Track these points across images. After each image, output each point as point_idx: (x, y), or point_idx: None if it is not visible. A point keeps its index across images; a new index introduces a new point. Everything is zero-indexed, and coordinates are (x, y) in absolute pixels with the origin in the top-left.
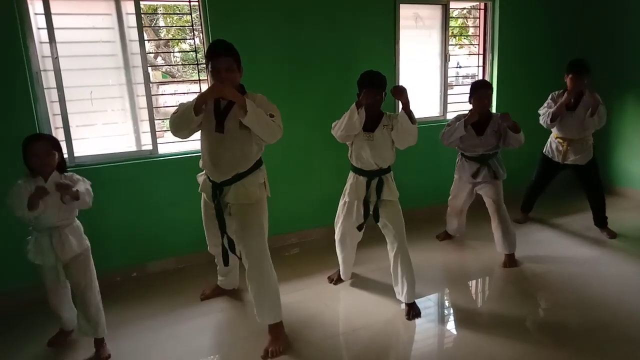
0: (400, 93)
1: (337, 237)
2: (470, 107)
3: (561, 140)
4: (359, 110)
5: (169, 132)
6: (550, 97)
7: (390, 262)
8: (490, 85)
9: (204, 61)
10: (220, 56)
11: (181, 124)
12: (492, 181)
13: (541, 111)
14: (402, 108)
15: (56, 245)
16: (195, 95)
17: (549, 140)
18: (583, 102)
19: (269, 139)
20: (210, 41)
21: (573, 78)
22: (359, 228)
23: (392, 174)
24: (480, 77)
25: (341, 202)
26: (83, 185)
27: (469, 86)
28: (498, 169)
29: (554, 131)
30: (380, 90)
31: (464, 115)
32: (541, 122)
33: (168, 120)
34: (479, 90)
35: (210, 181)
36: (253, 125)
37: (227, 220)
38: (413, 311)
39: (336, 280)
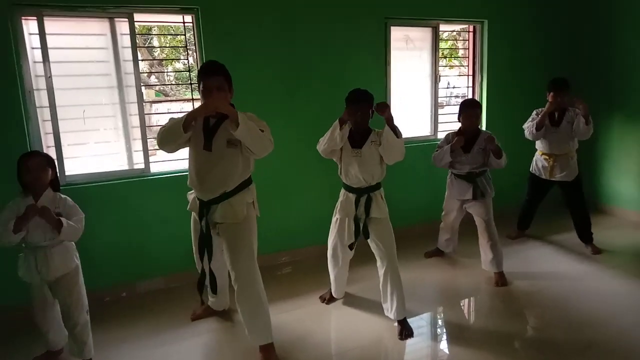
0: (383, 109)
1: (329, 254)
2: (459, 125)
3: (547, 157)
4: (342, 127)
5: (161, 151)
6: (534, 112)
7: (380, 279)
8: (478, 104)
9: (197, 80)
10: (211, 76)
11: (168, 138)
12: (480, 199)
13: (525, 125)
14: (386, 123)
15: (40, 265)
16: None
17: (534, 158)
18: (567, 117)
19: (260, 151)
20: (204, 60)
21: (554, 95)
22: (350, 247)
23: (382, 191)
24: (470, 97)
25: (333, 220)
26: (75, 218)
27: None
28: (486, 187)
29: (539, 148)
30: (365, 106)
31: (453, 134)
32: (527, 135)
33: (156, 136)
34: (468, 109)
35: (199, 200)
36: (245, 138)
37: (215, 240)
38: (405, 330)
39: (328, 299)
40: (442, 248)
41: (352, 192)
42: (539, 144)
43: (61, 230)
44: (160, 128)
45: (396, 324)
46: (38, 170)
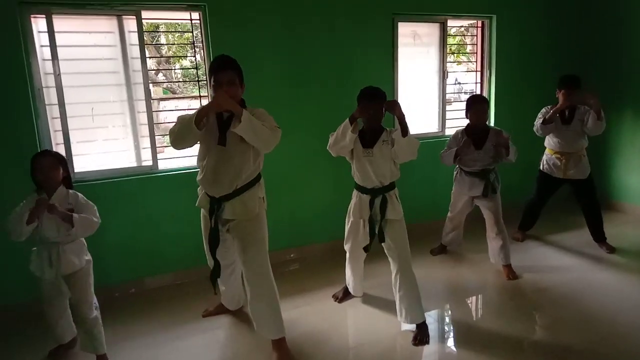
0: (393, 106)
1: (348, 257)
2: (467, 121)
3: (559, 155)
4: (353, 126)
5: (170, 147)
6: (544, 109)
7: (393, 282)
8: (485, 99)
9: (204, 77)
10: (222, 70)
11: (181, 136)
12: (491, 194)
13: (535, 122)
14: (398, 122)
15: (54, 261)
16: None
17: (544, 157)
18: (578, 115)
19: (263, 147)
20: (211, 57)
21: (565, 93)
22: (366, 249)
23: (397, 191)
24: (477, 93)
25: (347, 223)
26: (87, 213)
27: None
28: (496, 184)
29: (550, 146)
30: (378, 104)
31: (462, 132)
32: (535, 130)
33: (168, 135)
34: (476, 105)
35: (209, 196)
36: (246, 133)
37: (223, 236)
38: (420, 335)
39: (341, 298)
40: (445, 244)
41: (366, 193)
42: (549, 143)
43: (73, 221)
44: (172, 128)
45: (414, 327)
46: (49, 169)
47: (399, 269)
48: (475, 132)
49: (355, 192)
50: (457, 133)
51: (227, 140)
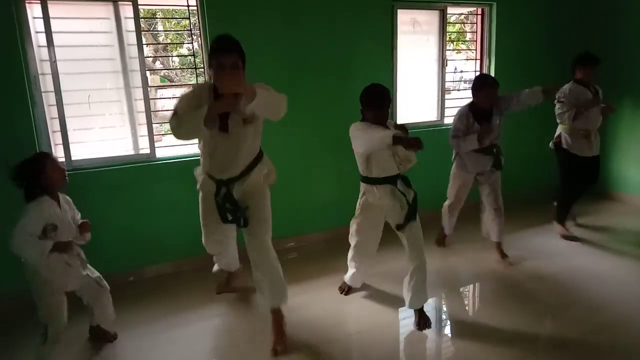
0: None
1: (355, 243)
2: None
3: (587, 133)
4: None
5: (167, 135)
6: (567, 92)
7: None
8: (497, 82)
9: (202, 65)
10: (226, 53)
11: (189, 133)
12: (495, 171)
13: (560, 111)
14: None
15: (73, 261)
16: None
17: (564, 138)
18: (600, 93)
19: (275, 115)
20: (209, 45)
21: (592, 69)
22: (398, 227)
23: None
24: (488, 74)
25: (360, 206)
26: (78, 214)
27: (474, 81)
28: (501, 157)
29: (579, 126)
30: (388, 106)
31: (467, 110)
32: (562, 120)
33: (169, 124)
34: (490, 89)
35: (216, 180)
36: (261, 108)
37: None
38: (422, 320)
39: (347, 290)
40: (447, 231)
41: (386, 183)
42: (578, 122)
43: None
44: (173, 120)
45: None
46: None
47: (414, 256)
48: (480, 110)
49: (368, 187)
50: (463, 112)
51: (229, 126)
